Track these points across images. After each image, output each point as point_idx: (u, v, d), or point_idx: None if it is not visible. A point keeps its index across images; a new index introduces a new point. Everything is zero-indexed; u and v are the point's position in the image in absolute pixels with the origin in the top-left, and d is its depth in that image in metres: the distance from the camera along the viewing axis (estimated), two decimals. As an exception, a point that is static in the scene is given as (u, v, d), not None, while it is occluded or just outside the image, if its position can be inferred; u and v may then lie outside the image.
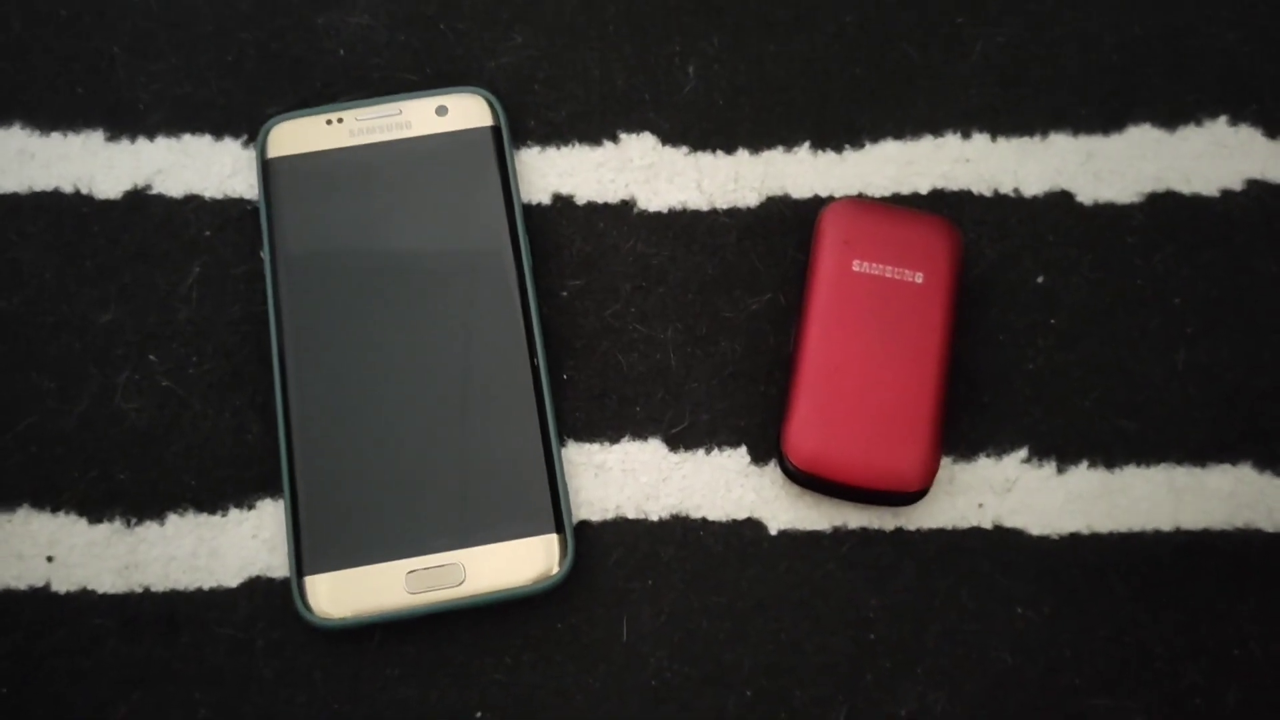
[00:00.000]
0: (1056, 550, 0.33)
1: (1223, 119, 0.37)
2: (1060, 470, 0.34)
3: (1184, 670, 0.32)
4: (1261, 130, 0.37)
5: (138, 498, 0.33)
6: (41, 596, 0.32)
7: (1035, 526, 0.33)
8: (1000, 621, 0.32)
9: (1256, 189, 0.36)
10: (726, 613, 0.32)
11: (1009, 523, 0.33)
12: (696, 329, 0.35)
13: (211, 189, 0.36)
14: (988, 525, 0.33)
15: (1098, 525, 0.33)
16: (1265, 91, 0.37)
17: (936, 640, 0.32)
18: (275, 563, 0.33)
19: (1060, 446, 0.34)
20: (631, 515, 0.33)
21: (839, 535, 0.33)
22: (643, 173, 0.36)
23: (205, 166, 0.36)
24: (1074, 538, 0.33)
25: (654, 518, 0.33)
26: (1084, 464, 0.34)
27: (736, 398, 0.34)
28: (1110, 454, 0.34)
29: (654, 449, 0.34)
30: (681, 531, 0.33)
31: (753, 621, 0.32)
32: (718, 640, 0.32)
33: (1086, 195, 0.36)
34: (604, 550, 0.33)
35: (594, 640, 0.32)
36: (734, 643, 0.32)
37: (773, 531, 0.33)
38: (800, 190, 0.36)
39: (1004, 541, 0.33)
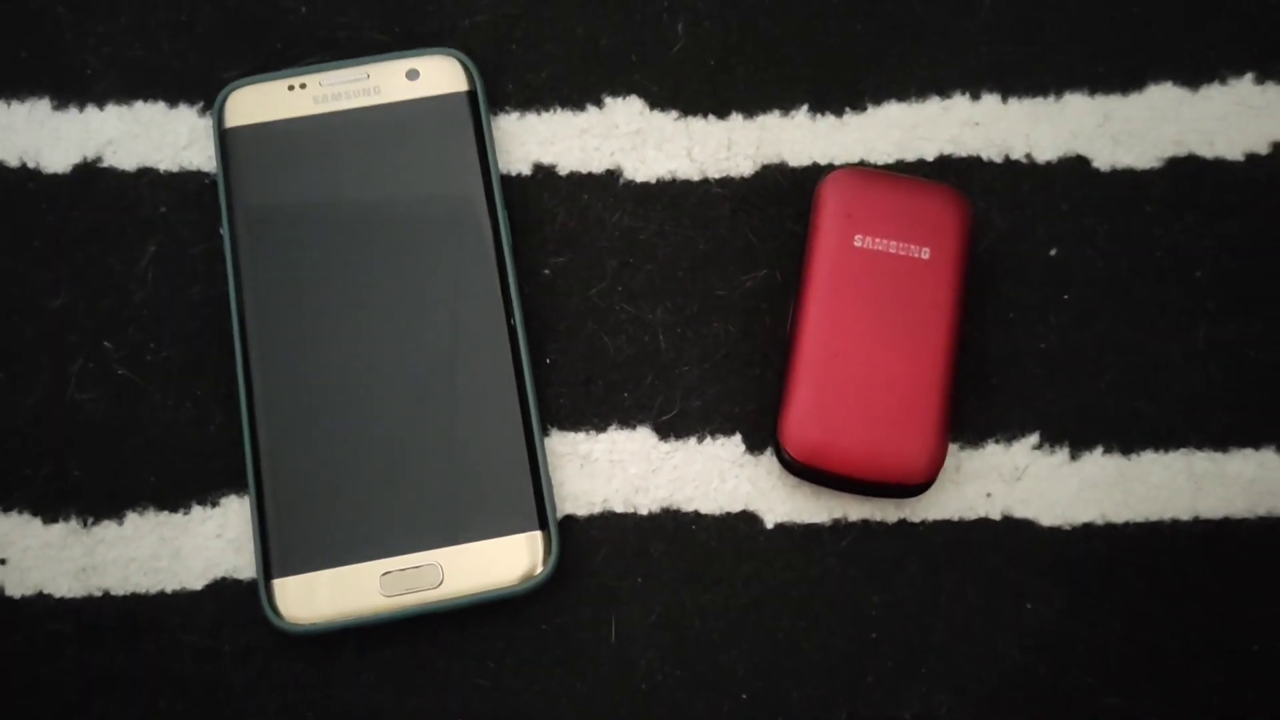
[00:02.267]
0: (1069, 542, 0.32)
1: (1249, 77, 0.35)
2: (1073, 457, 0.33)
3: (1201, 668, 0.31)
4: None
5: (94, 495, 0.32)
6: (-5, 601, 0.31)
7: (1046, 517, 0.32)
8: (1009, 618, 0.31)
9: (1285, 153, 0.35)
10: (721, 611, 0.31)
11: (1019, 513, 0.32)
12: (688, 309, 0.34)
13: (166, 161, 0.34)
14: (996, 516, 0.32)
15: (1112, 515, 0.32)
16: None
17: (942, 638, 0.31)
18: (242, 564, 0.31)
19: (1073, 431, 0.33)
20: (619, 509, 0.32)
21: (839, 528, 0.32)
22: (629, 140, 0.35)
23: (159, 136, 0.34)
24: (1087, 528, 0.32)
25: (643, 511, 0.32)
26: (1098, 450, 0.33)
27: (730, 382, 0.33)
28: (1126, 439, 0.33)
29: (643, 438, 0.33)
30: (673, 526, 0.32)
31: (748, 620, 0.31)
32: (711, 641, 0.31)
33: (1103, 160, 0.35)
34: (591, 547, 0.32)
35: (581, 642, 0.31)
36: (729, 643, 0.31)
37: (769, 525, 0.32)
38: (798, 158, 0.35)
39: (1013, 533, 0.32)
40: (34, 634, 0.31)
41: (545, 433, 0.32)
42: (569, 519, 0.32)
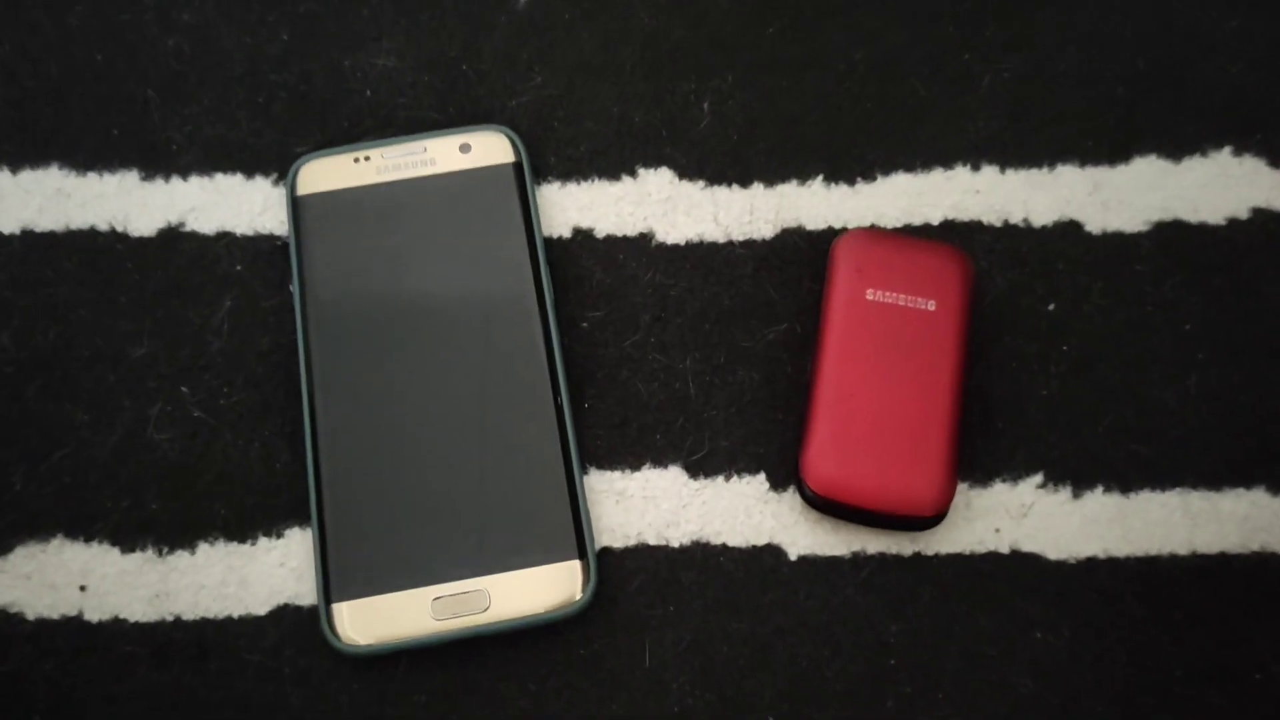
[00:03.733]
0: (1074, 574, 0.33)
1: (1227, 149, 0.38)
2: (1075, 495, 0.34)
3: (1204, 694, 0.32)
4: (1266, 160, 0.37)
5: (169, 527, 0.34)
6: (74, 625, 0.33)
7: (1052, 551, 0.34)
8: (1019, 646, 0.33)
9: (1262, 217, 0.37)
10: (747, 638, 0.33)
11: (1026, 547, 0.34)
12: (714, 358, 0.36)
13: (243, 225, 0.37)
14: (1005, 550, 0.34)
15: (1114, 549, 0.34)
16: (1269, 122, 0.38)
17: (956, 665, 0.33)
18: (303, 590, 0.33)
19: (1075, 471, 0.34)
20: (653, 541, 0.34)
21: (858, 560, 0.34)
22: (660, 206, 0.37)
23: (237, 204, 0.37)
24: (1091, 562, 0.33)
25: (675, 544, 0.34)
26: (1099, 489, 0.34)
27: (755, 425, 0.35)
28: (1125, 479, 0.34)
29: (674, 476, 0.34)
30: (702, 557, 0.34)
31: (773, 646, 0.33)
32: (739, 666, 0.33)
33: (1095, 224, 0.37)
34: (626, 576, 0.33)
35: (617, 666, 0.33)
36: (755, 668, 0.32)
37: (792, 557, 0.34)
38: (814, 222, 0.37)
39: (1021, 566, 0.33)
40: (109, 655, 0.33)
41: (584, 471, 0.34)
42: (606, 550, 0.34)
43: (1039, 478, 0.34)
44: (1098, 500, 0.34)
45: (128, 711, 0.32)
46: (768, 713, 0.32)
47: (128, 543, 0.34)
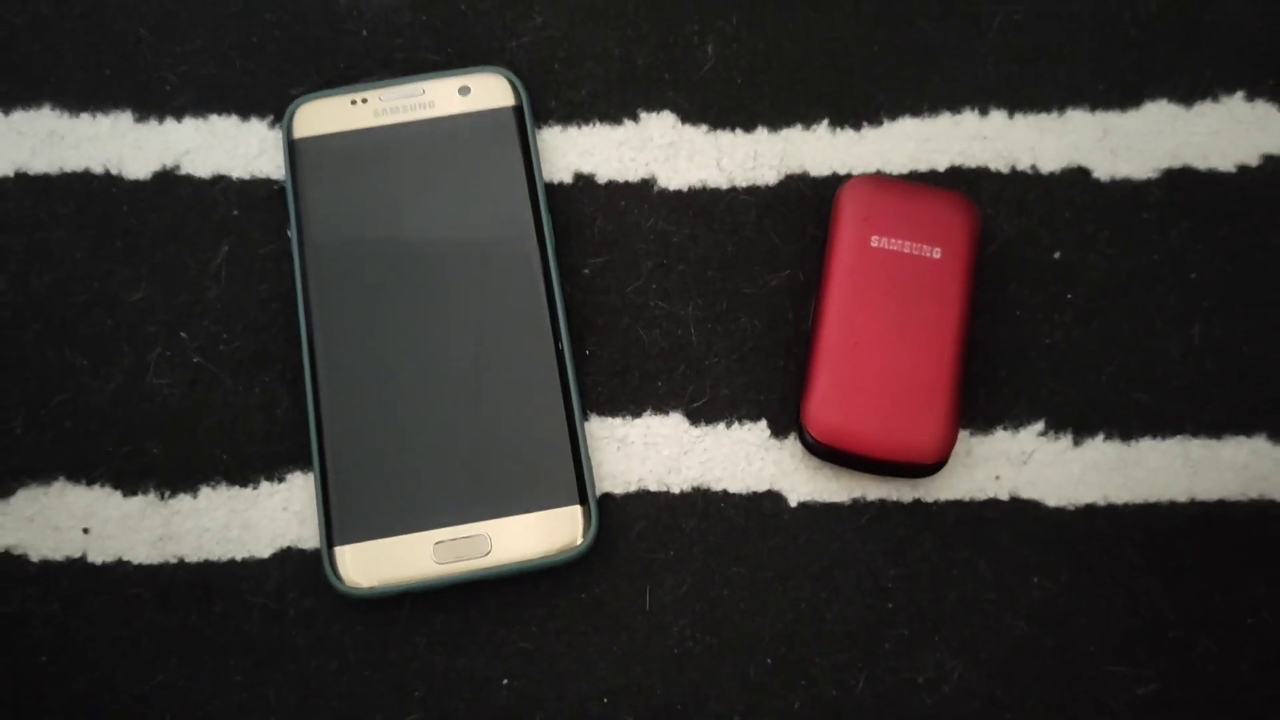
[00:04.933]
0: (1073, 521, 0.34)
1: (1239, 94, 0.37)
2: (1076, 443, 0.34)
3: (1198, 639, 0.33)
4: (1278, 106, 0.37)
5: (171, 471, 0.34)
6: (78, 567, 0.33)
7: (1052, 498, 0.34)
8: (1017, 591, 0.33)
9: (1273, 164, 0.36)
10: (747, 583, 0.33)
11: (1026, 494, 0.34)
12: (717, 305, 0.35)
13: (239, 169, 0.37)
14: (1005, 497, 0.34)
15: (1113, 497, 0.34)
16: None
17: (954, 609, 0.33)
18: (306, 534, 0.33)
19: (1076, 419, 0.34)
20: (654, 488, 0.34)
21: (858, 507, 0.34)
22: (663, 151, 0.37)
23: (232, 147, 0.37)
24: (1090, 509, 0.34)
25: (676, 490, 0.34)
26: (1100, 436, 0.34)
27: (756, 372, 0.35)
28: (1126, 427, 0.34)
29: (675, 423, 0.34)
30: (703, 503, 0.34)
31: (773, 591, 0.33)
32: (738, 609, 0.33)
33: (1103, 171, 0.36)
34: (627, 522, 0.34)
35: (617, 610, 0.33)
36: (754, 612, 0.33)
37: (793, 503, 0.34)
38: (819, 168, 0.37)
39: (1021, 513, 0.34)
40: (114, 598, 0.33)
41: (585, 417, 0.34)
42: (607, 496, 0.34)
43: (1040, 425, 0.34)
44: (1098, 448, 0.34)
45: (133, 653, 0.33)
46: (766, 655, 0.33)
47: (129, 486, 0.34)
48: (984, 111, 0.37)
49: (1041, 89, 0.37)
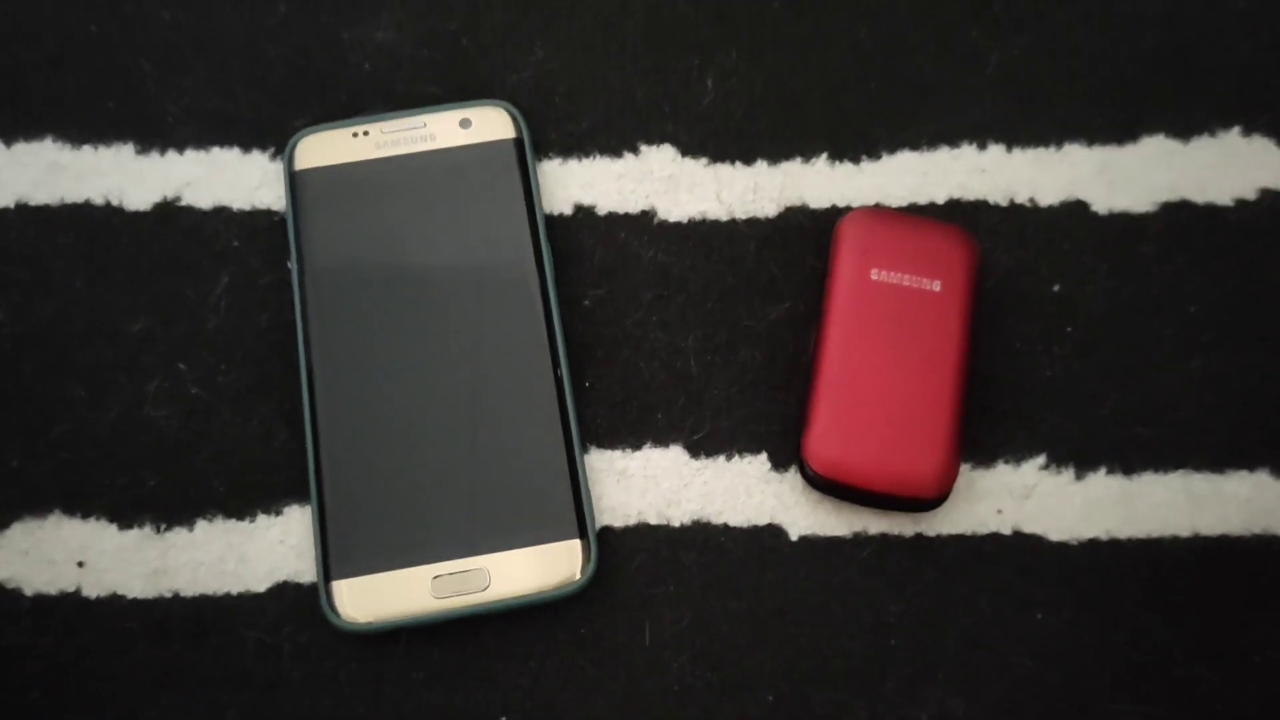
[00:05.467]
0: (1075, 556, 0.33)
1: (1235, 129, 0.37)
2: (1078, 477, 0.34)
3: (1203, 676, 0.32)
4: (1274, 140, 0.37)
5: (167, 504, 0.34)
6: (72, 601, 0.33)
7: (1054, 532, 0.34)
8: (1020, 627, 0.33)
9: (1270, 198, 0.37)
10: (747, 618, 0.33)
11: (1028, 529, 0.34)
12: (717, 337, 0.35)
13: (240, 200, 0.37)
14: (1007, 531, 0.34)
15: (1116, 531, 0.34)
16: (1277, 102, 0.38)
17: (956, 645, 0.33)
18: (302, 568, 0.33)
19: (1078, 453, 0.34)
20: (653, 521, 0.34)
21: (859, 541, 0.34)
22: (663, 184, 0.37)
23: (234, 178, 0.37)
24: (1093, 543, 0.33)
25: (675, 523, 0.34)
26: (1102, 470, 0.34)
27: (757, 405, 0.35)
28: (1128, 461, 0.34)
29: (675, 455, 0.34)
30: (703, 537, 0.34)
31: (773, 626, 0.33)
32: (739, 645, 0.33)
33: (1101, 205, 0.37)
34: (626, 555, 0.33)
35: (617, 644, 0.33)
36: (755, 647, 0.33)
37: (793, 537, 0.34)
38: (818, 200, 0.37)
39: (1023, 547, 0.33)
40: (108, 631, 0.33)
41: (585, 450, 0.34)
42: (606, 529, 0.34)
43: (1042, 459, 0.34)
44: (1100, 482, 0.34)
45: (126, 688, 0.32)
46: (767, 692, 0.32)
47: (126, 519, 0.34)
48: (982, 145, 0.37)
49: (1039, 123, 0.37)
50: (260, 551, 0.33)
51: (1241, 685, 0.32)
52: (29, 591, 0.33)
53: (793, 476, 0.34)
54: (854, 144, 0.37)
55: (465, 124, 0.36)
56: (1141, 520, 0.34)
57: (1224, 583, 0.33)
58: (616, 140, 0.37)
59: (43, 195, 0.37)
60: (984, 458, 0.34)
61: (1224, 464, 0.34)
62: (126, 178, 0.37)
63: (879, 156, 0.37)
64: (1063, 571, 0.33)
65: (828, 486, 0.33)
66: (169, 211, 0.37)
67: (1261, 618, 0.33)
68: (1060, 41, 0.38)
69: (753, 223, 0.37)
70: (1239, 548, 0.33)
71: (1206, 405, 0.35)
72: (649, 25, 0.38)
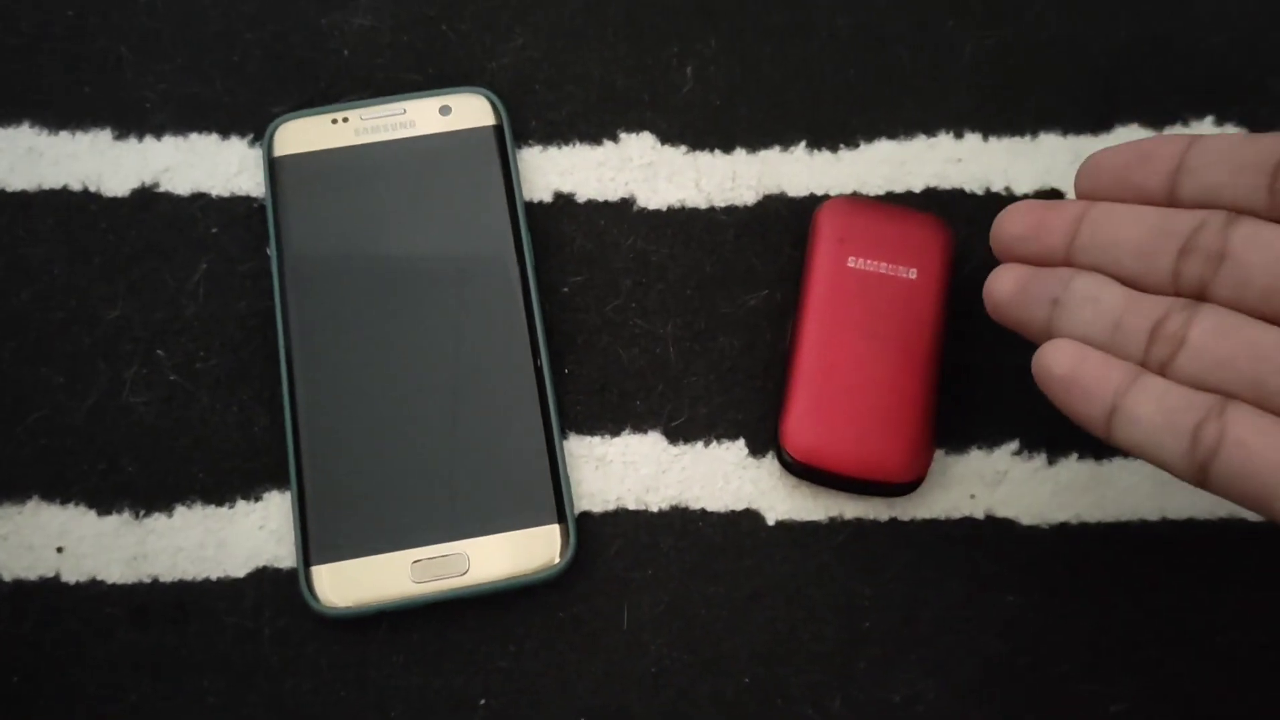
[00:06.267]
0: (1046, 540, 0.34)
1: (1209, 119, 0.38)
2: (1050, 462, 0.35)
3: (1169, 657, 0.33)
4: (1247, 130, 0.38)
5: (146, 490, 0.34)
6: (51, 586, 0.33)
7: (1026, 517, 0.34)
8: (991, 610, 0.33)
9: (1240, 188, 0.37)
10: (724, 601, 0.33)
11: (1000, 513, 0.34)
12: (695, 324, 0.36)
13: (218, 187, 0.37)
14: (979, 516, 0.34)
15: (1086, 516, 0.34)
16: (1249, 93, 0.38)
17: (929, 628, 0.33)
18: (282, 553, 0.33)
19: (1050, 439, 0.35)
20: (632, 506, 0.34)
21: (835, 526, 0.34)
22: (642, 171, 0.37)
23: (212, 165, 0.37)
24: (1063, 527, 0.34)
25: (654, 509, 0.34)
26: (1073, 456, 0.35)
27: (735, 392, 0.35)
28: (1098, 446, 0.35)
29: (654, 442, 0.35)
30: (681, 522, 0.34)
31: (750, 610, 0.33)
32: (716, 628, 0.33)
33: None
34: (605, 540, 0.34)
35: (595, 628, 0.33)
36: (731, 631, 0.33)
37: (770, 522, 0.34)
38: (796, 189, 0.37)
39: (995, 532, 0.34)
40: (87, 617, 0.33)
41: (564, 436, 0.35)
42: (585, 515, 0.34)
43: (1014, 445, 0.35)
44: (1071, 467, 0.35)
45: (106, 673, 0.32)
46: (743, 674, 0.33)
47: (104, 505, 0.34)
48: (958, 135, 0.38)
49: (1014, 113, 0.38)
50: (240, 537, 0.33)
51: (1208, 666, 0.33)
52: (8, 577, 0.33)
53: (770, 462, 0.35)
54: (832, 133, 0.38)
55: (445, 111, 0.36)
56: (1110, 505, 0.34)
57: (1190, 565, 0.34)
58: (596, 128, 0.37)
59: (19, 181, 0.37)
60: (958, 444, 0.35)
61: (1192, 450, 0.35)
62: (104, 163, 0.37)
63: (857, 145, 0.37)
64: (1033, 555, 0.34)
65: (804, 472, 0.33)
66: (147, 197, 0.37)
67: (1226, 599, 0.33)
68: (1035, 33, 0.39)
69: (731, 211, 0.37)
70: (1206, 531, 0.34)
71: (1176, 392, 0.35)
72: (629, 13, 0.38)
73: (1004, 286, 0.29)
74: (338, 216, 0.35)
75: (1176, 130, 0.38)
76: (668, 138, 0.37)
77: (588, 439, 0.35)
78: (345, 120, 0.36)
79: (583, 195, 0.37)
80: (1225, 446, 0.24)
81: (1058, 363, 0.27)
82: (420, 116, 0.36)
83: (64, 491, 0.34)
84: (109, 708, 0.32)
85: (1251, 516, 0.34)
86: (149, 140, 0.37)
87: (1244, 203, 0.26)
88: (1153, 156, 0.27)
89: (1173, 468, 0.25)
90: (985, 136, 0.37)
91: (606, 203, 0.37)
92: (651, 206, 0.37)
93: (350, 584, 0.32)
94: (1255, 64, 0.38)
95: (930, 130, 0.37)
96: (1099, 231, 0.27)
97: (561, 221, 0.36)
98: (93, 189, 0.37)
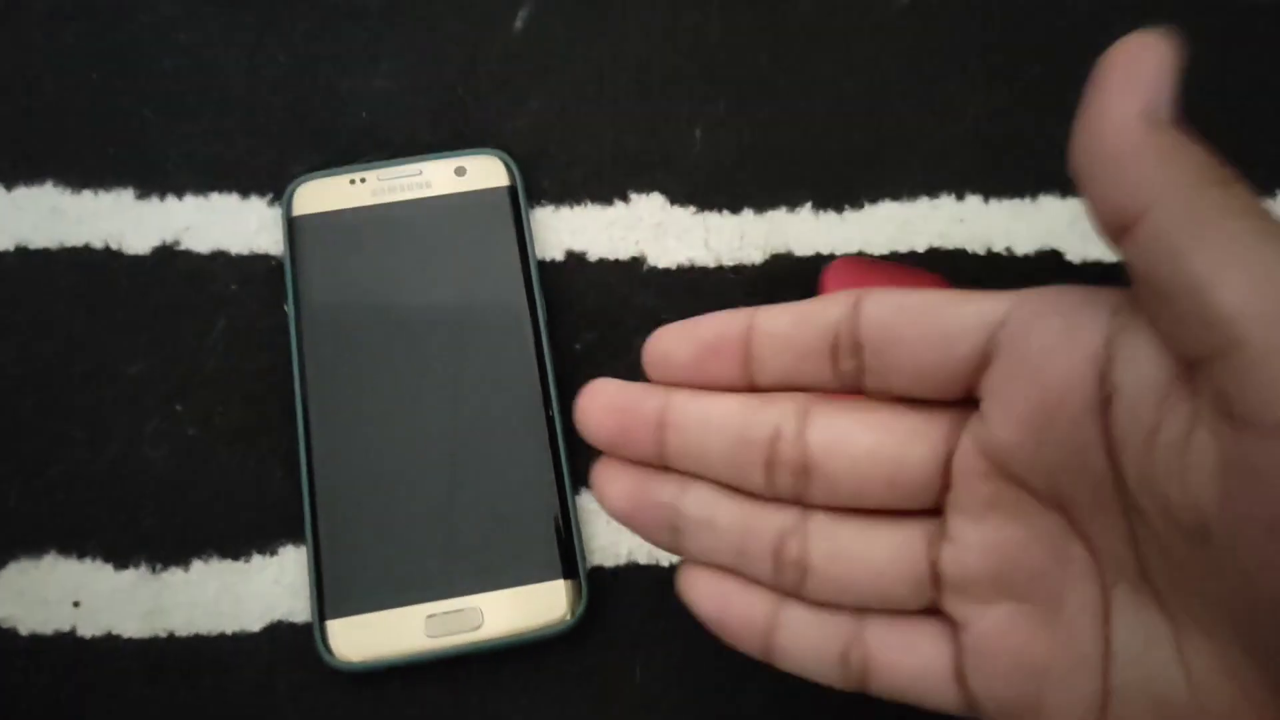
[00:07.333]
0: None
1: (1202, 182, 0.39)
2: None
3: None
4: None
5: (163, 544, 0.34)
6: (67, 641, 0.33)
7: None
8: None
9: (1235, 249, 0.38)
10: (736, 656, 0.33)
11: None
12: (705, 381, 0.36)
13: (238, 245, 0.37)
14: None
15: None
16: (1245, 157, 0.39)
17: (939, 683, 0.33)
18: (297, 607, 0.34)
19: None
20: (643, 561, 0.34)
21: (843, 580, 0.34)
22: (652, 231, 0.38)
23: (232, 224, 0.38)
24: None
25: (665, 564, 0.34)
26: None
27: (744, 447, 0.36)
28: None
29: (664, 497, 0.35)
30: (691, 577, 0.34)
31: (762, 666, 0.33)
32: (728, 683, 0.33)
33: (1075, 254, 0.38)
34: (617, 595, 0.34)
35: (607, 683, 0.33)
36: (744, 685, 0.33)
37: (780, 577, 0.34)
38: (803, 248, 0.38)
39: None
40: (103, 672, 0.33)
41: (577, 491, 0.35)
42: (597, 569, 0.34)
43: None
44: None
45: (120, 728, 0.32)
46: (755, 730, 0.33)
47: (121, 559, 0.34)
48: (960, 196, 0.38)
49: (1015, 176, 0.39)
50: (255, 591, 0.34)
51: None
52: (24, 631, 0.33)
53: (779, 517, 0.35)
54: (837, 193, 0.38)
55: (460, 172, 0.37)
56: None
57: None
58: (607, 189, 0.38)
59: (42, 239, 0.37)
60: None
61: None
62: (126, 222, 0.38)
63: (861, 206, 0.38)
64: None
65: (813, 527, 0.33)
66: (168, 255, 0.37)
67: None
68: (1034, 98, 0.40)
69: (739, 269, 0.38)
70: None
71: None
72: (640, 78, 0.40)
73: (617, 503, 0.26)
74: (355, 274, 0.36)
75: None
76: (677, 198, 0.38)
77: (600, 494, 0.35)
78: (363, 180, 0.37)
79: (594, 254, 0.38)
80: (875, 670, 0.25)
81: (701, 606, 0.26)
82: (436, 177, 0.37)
83: (81, 545, 0.34)
84: (122, 763, 0.32)
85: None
86: (170, 199, 0.38)
87: (816, 383, 0.25)
88: (719, 351, 0.25)
89: (841, 688, 0.25)
90: (986, 198, 0.38)
91: (617, 261, 0.37)
92: (661, 265, 0.37)
93: (365, 638, 0.32)
94: (1248, 132, 0.39)
95: (933, 192, 0.38)
96: (686, 441, 0.25)
97: (573, 280, 0.37)
98: (114, 247, 0.37)
